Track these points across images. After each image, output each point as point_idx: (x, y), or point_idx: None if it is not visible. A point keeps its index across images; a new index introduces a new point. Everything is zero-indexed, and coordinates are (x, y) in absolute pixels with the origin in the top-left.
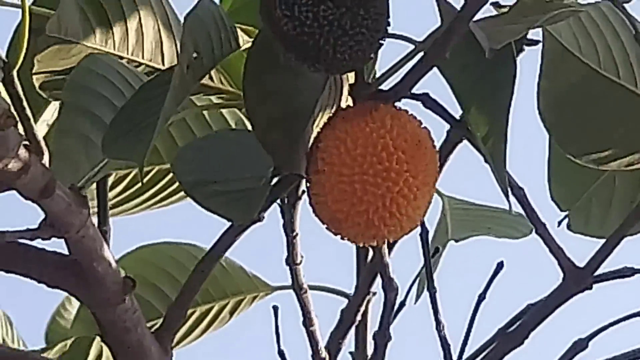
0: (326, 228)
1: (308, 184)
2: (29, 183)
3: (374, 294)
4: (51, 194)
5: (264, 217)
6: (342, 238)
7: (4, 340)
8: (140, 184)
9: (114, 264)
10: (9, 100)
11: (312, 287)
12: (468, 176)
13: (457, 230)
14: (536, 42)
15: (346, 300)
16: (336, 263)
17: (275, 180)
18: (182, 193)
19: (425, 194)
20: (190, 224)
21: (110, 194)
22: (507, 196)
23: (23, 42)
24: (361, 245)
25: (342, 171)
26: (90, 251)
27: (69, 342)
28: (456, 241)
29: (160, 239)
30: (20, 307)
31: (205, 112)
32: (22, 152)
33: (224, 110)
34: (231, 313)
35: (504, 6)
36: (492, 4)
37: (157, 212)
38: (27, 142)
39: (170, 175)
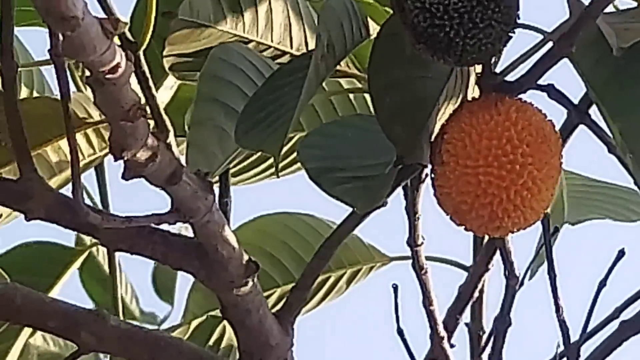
0: (450, 219)
1: (432, 175)
2: (156, 171)
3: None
4: (178, 181)
5: (387, 203)
6: (466, 229)
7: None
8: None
9: (237, 248)
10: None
11: (430, 259)
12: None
13: (574, 212)
14: None
15: (461, 271)
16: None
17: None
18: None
19: (549, 186)
20: (307, 193)
21: None
22: None
23: (150, 21)
24: (484, 235)
25: (467, 163)
26: (215, 235)
27: (194, 323)
28: (572, 224)
29: (278, 209)
30: None
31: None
32: (150, 141)
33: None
34: (348, 283)
35: None
36: None
37: (274, 182)
38: (154, 132)
39: (290, 144)
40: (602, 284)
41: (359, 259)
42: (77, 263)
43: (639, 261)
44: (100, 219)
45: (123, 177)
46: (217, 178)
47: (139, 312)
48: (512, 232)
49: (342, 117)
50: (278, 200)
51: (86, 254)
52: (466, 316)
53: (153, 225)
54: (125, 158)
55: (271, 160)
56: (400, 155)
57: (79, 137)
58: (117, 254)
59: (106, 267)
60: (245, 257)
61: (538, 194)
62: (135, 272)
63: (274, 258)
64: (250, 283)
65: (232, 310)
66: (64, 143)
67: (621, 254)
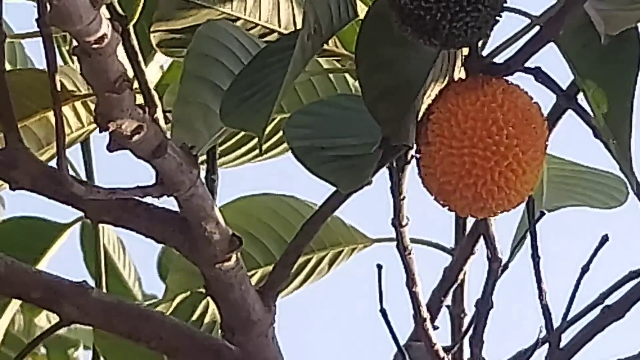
0: (434, 199)
1: (417, 155)
2: (142, 143)
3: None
4: (163, 154)
5: (372, 182)
6: (450, 210)
7: (115, 264)
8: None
9: (222, 222)
10: (123, 55)
11: (414, 241)
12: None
13: (552, 197)
14: None
15: (444, 255)
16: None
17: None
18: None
19: (533, 169)
20: (290, 175)
21: None
22: (631, 175)
23: None
24: (469, 217)
25: (452, 144)
26: (199, 210)
27: (178, 298)
28: (549, 211)
29: (260, 191)
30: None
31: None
32: (136, 113)
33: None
34: (330, 265)
35: None
36: None
37: (260, 164)
38: (140, 103)
39: (271, 126)
40: (585, 269)
41: (340, 241)
42: (63, 238)
43: (626, 247)
44: (84, 190)
45: (108, 148)
46: (204, 156)
47: (142, 295)
48: (496, 214)
49: (328, 96)
50: (263, 183)
51: (72, 229)
52: (448, 299)
53: (138, 198)
54: (111, 129)
55: (255, 140)
56: (386, 136)
57: (67, 110)
58: (123, 238)
59: (107, 244)
60: (229, 232)
61: (522, 175)
62: (141, 255)
63: (255, 239)
64: (234, 258)
65: (214, 285)
66: (51, 116)
67: (605, 239)
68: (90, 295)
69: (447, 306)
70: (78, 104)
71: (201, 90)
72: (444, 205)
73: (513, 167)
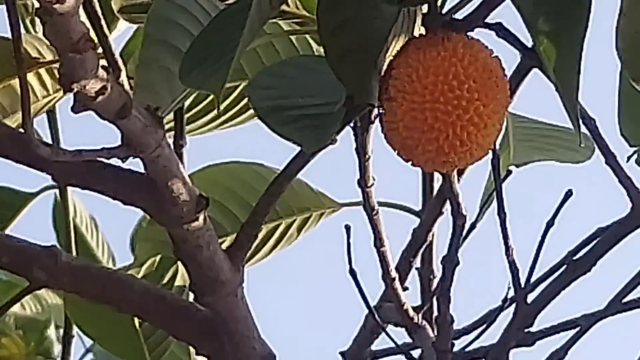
0: (397, 154)
1: (380, 111)
2: (106, 104)
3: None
4: (128, 115)
5: (336, 140)
6: (413, 164)
7: (89, 243)
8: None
9: (188, 183)
10: (86, 20)
11: (381, 204)
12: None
13: (520, 154)
14: None
15: (411, 216)
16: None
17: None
18: (250, 112)
19: (495, 122)
20: (258, 142)
21: None
22: (578, 126)
23: None
24: (431, 171)
25: (414, 99)
26: (165, 170)
27: (147, 263)
28: (517, 166)
29: (228, 159)
30: (106, 210)
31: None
32: (100, 73)
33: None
34: (298, 230)
35: None
36: None
37: (227, 132)
38: (105, 64)
39: (236, 93)
40: (550, 223)
41: (308, 206)
42: (28, 207)
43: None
44: (50, 152)
45: (72, 110)
46: (172, 122)
47: None
48: (459, 167)
49: (291, 57)
50: (230, 152)
51: (42, 206)
52: (418, 261)
53: (104, 160)
54: (75, 90)
55: (225, 104)
56: (350, 95)
57: (32, 79)
58: (96, 214)
59: (80, 223)
60: (196, 192)
61: (484, 129)
62: (113, 231)
63: (223, 206)
64: (201, 218)
65: (182, 246)
66: (16, 84)
67: (569, 194)
68: (60, 259)
69: (417, 268)
70: (43, 72)
71: (162, 54)
72: (407, 161)
73: (475, 120)
